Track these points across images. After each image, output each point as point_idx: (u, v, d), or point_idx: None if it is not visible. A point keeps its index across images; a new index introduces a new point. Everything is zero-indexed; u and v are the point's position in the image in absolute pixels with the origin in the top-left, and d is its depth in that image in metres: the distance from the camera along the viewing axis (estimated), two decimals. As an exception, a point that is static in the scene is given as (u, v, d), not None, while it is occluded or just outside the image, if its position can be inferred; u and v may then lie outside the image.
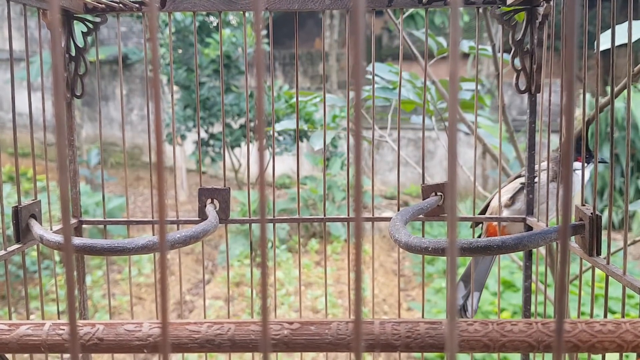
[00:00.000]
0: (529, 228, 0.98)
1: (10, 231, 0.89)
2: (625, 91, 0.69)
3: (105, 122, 7.16)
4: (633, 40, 0.71)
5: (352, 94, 0.37)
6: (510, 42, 0.95)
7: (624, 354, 0.53)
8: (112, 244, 0.81)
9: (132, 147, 7.41)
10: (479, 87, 1.05)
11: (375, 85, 1.49)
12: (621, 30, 0.81)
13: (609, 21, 0.73)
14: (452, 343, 0.24)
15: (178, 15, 4.90)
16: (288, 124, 1.89)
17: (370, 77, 0.96)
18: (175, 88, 5.25)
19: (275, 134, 4.65)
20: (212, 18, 5.29)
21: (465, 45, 1.51)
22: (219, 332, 0.49)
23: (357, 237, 0.23)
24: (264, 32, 5.01)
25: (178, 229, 1.01)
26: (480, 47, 1.37)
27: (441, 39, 1.58)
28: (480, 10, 0.96)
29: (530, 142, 0.98)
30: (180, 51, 5.14)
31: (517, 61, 0.96)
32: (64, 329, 0.52)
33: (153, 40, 0.23)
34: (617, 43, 0.75)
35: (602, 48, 0.80)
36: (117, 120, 7.45)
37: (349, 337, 0.49)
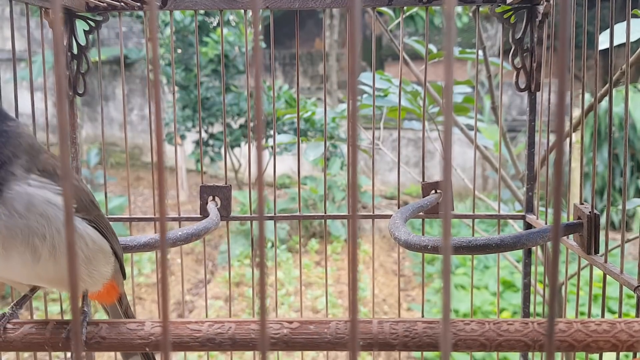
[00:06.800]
0: (528, 226, 0.98)
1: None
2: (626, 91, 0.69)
3: (105, 122, 7.14)
4: (632, 39, 0.71)
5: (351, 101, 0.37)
6: (510, 40, 0.96)
7: (622, 353, 0.53)
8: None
9: (132, 147, 7.39)
10: (479, 87, 1.05)
11: (367, 95, 1.49)
12: (620, 30, 0.82)
13: (609, 21, 0.74)
14: (446, 342, 0.24)
15: (177, 15, 4.89)
16: (284, 138, 1.89)
17: (364, 87, 0.96)
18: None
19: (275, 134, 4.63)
20: (211, 18, 5.29)
21: (455, 50, 1.50)
22: (219, 331, 0.50)
23: (354, 234, 0.23)
24: (263, 31, 5.01)
25: (180, 227, 1.01)
26: (470, 50, 1.37)
27: (431, 46, 1.57)
28: (477, 10, 0.97)
29: (530, 140, 0.99)
30: (179, 51, 5.14)
31: (517, 60, 0.96)
32: (67, 328, 0.52)
33: (153, 38, 0.23)
34: (616, 42, 0.76)
35: (601, 47, 0.80)
36: (117, 120, 7.44)
37: (348, 336, 0.50)
